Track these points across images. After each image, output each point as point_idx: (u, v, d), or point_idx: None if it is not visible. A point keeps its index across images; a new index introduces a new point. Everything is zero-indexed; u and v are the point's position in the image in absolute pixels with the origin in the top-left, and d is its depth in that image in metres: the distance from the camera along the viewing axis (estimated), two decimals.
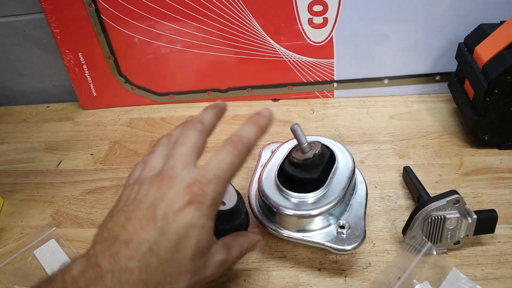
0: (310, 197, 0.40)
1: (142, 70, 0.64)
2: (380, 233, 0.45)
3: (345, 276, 0.41)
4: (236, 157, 0.31)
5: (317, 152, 0.41)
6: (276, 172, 0.43)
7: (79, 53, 0.63)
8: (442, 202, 0.40)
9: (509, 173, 0.52)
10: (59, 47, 0.62)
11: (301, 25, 0.58)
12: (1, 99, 0.74)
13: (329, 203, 0.40)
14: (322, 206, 0.40)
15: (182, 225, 0.28)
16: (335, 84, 0.63)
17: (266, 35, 0.59)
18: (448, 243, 0.42)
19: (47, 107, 0.71)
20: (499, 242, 0.44)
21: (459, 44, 0.57)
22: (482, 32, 0.54)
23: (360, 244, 0.39)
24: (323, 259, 0.43)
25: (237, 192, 0.42)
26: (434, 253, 0.40)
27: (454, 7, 0.57)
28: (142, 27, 0.60)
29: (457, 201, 0.40)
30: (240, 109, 0.65)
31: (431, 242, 0.41)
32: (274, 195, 0.42)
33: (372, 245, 0.44)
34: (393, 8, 0.57)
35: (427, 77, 0.63)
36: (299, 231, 0.41)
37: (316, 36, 0.59)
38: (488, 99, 0.50)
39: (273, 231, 0.42)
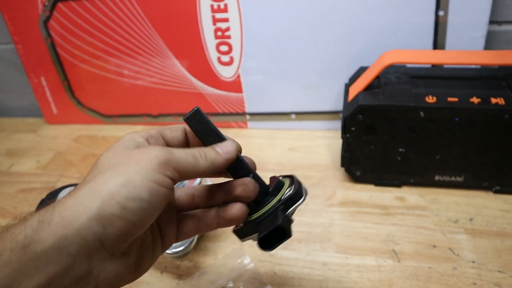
0: None
1: (90, 95, 0.75)
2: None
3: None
4: None
5: None
6: None
7: (41, 77, 0.75)
8: None
9: (371, 208, 0.54)
10: (26, 72, 0.76)
11: (212, 63, 0.66)
12: None
13: None
14: None
15: None
16: (248, 116, 0.70)
17: (185, 71, 0.68)
18: None
19: (24, 120, 0.85)
20: (329, 269, 0.47)
21: (345, 84, 0.61)
22: (359, 74, 0.58)
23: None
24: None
25: None
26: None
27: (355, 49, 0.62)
28: (89, 60, 0.71)
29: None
30: None
31: None
32: None
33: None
34: (290, 49, 0.63)
35: (332, 114, 0.67)
36: None
37: (225, 72, 0.67)
38: (348, 135, 0.54)
39: None
